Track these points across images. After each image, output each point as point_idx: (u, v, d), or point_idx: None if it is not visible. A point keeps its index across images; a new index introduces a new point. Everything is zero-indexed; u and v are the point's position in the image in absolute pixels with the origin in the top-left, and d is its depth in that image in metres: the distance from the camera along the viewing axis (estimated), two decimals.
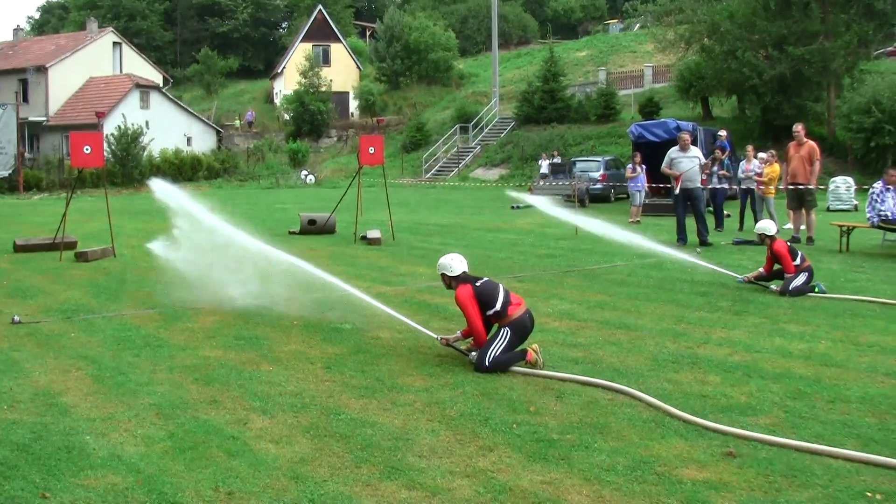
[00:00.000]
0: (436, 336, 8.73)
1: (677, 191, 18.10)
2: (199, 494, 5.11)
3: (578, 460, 5.67)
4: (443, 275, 8.49)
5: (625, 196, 34.01)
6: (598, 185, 34.50)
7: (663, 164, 18.24)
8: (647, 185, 26.21)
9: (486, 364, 7.83)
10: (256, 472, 5.46)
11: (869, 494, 5.15)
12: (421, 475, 5.41)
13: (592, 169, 35.51)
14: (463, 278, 8.30)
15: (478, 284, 8.20)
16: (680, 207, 18.02)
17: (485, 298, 8.10)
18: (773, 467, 5.55)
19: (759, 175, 20.90)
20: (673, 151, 18.12)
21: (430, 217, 25.67)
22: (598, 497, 5.12)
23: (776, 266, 12.44)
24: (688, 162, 17.71)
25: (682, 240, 17.69)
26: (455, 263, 8.38)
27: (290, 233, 20.74)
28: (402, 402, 6.96)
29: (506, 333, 7.99)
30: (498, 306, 8.07)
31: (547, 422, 6.46)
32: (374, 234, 18.91)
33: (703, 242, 17.57)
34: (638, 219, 25.27)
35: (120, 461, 5.63)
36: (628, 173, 25.94)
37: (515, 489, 5.21)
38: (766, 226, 12.84)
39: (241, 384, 7.51)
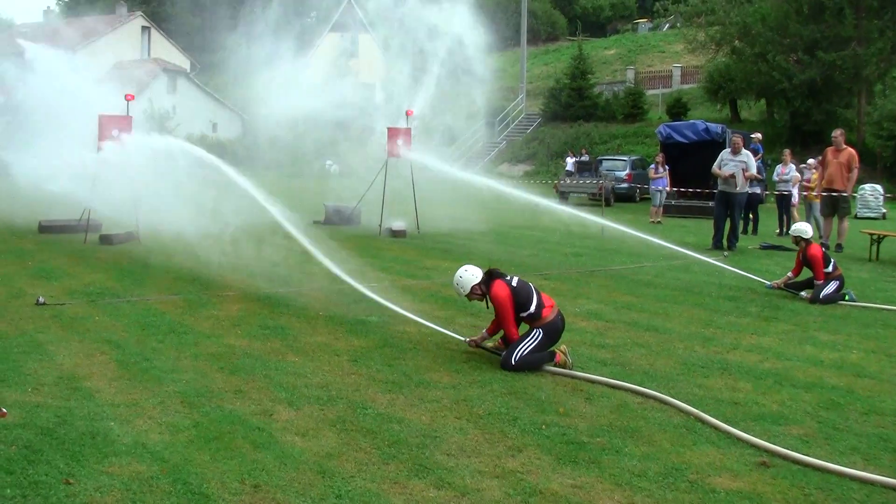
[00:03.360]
0: (464, 339, 8.63)
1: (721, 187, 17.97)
2: (224, 486, 5.04)
3: (609, 464, 5.57)
4: (472, 289, 8.21)
5: (650, 196, 33.94)
6: (624, 185, 34.35)
7: (714, 165, 18.04)
8: (669, 186, 26.11)
9: (513, 363, 7.72)
10: (282, 465, 5.38)
11: None
12: (450, 474, 5.32)
13: (619, 168, 35.35)
14: (490, 276, 8.13)
15: (514, 285, 8.02)
16: (719, 209, 17.84)
17: (521, 300, 7.96)
18: (809, 479, 5.43)
19: (808, 181, 20.88)
20: (724, 153, 18.01)
21: (456, 211, 25.52)
22: (629, 503, 5.01)
23: (805, 273, 12.28)
24: (733, 166, 17.53)
25: (716, 243, 17.50)
26: (469, 275, 8.19)
27: (314, 222, 20.66)
28: (429, 399, 6.87)
29: (537, 335, 7.87)
30: (532, 308, 7.94)
31: (576, 424, 6.36)
32: (399, 226, 18.83)
33: (731, 247, 17.42)
34: (659, 219, 25.20)
35: (144, 449, 5.56)
36: (651, 174, 25.81)
37: (546, 492, 5.11)
38: (804, 228, 12.65)
39: (267, 374, 7.44)
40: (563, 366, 7.83)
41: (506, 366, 7.77)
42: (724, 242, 17.51)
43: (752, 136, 24.98)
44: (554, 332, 7.99)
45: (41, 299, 10.19)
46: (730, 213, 17.73)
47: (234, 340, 8.67)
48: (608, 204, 28.59)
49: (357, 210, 20.93)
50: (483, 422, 6.34)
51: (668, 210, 26.78)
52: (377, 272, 13.22)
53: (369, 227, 19.73)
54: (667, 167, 25.94)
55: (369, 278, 11.52)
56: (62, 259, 13.84)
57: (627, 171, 35.08)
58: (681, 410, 6.73)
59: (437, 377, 7.52)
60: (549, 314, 8.00)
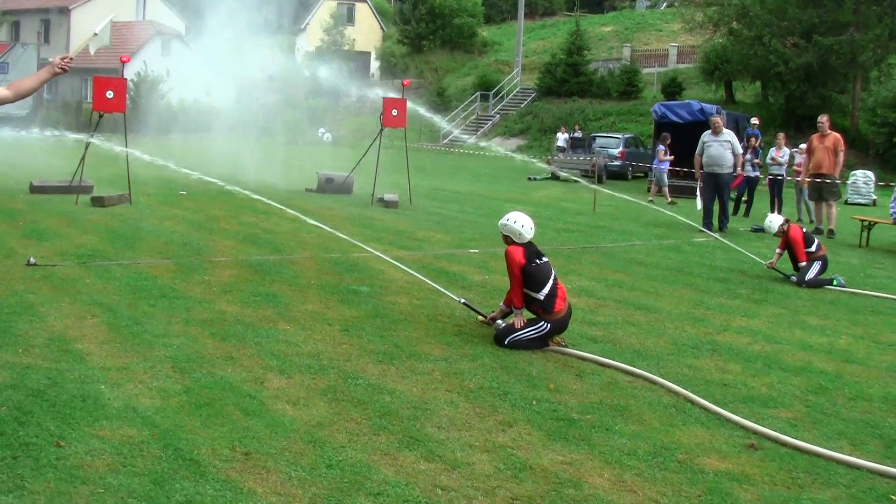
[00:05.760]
0: (459, 299, 8.78)
1: (699, 181, 18.04)
2: (215, 453, 5.03)
3: (599, 442, 5.59)
4: (506, 236, 8.13)
5: (642, 175, 33.92)
6: (617, 162, 34.37)
7: (697, 151, 17.99)
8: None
9: (506, 343, 7.72)
10: (273, 433, 5.38)
11: (893, 497, 5.07)
12: (440, 447, 5.33)
13: (612, 146, 35.36)
14: (520, 245, 7.98)
15: (534, 264, 7.86)
16: (707, 192, 17.80)
17: (535, 279, 7.83)
18: (796, 462, 5.47)
19: (799, 165, 20.91)
20: (705, 135, 17.85)
21: (448, 183, 25.55)
22: (619, 481, 5.03)
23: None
24: (718, 146, 17.44)
25: (707, 225, 17.46)
26: (526, 231, 8.00)
27: (306, 190, 20.64)
28: (420, 371, 6.88)
29: (544, 328, 7.77)
30: (542, 296, 7.80)
31: (567, 400, 6.38)
32: (391, 197, 18.78)
33: (722, 228, 17.43)
34: (652, 198, 25.25)
35: (135, 413, 5.56)
36: (661, 155, 25.65)
37: (536, 468, 5.13)
38: (772, 223, 12.58)
39: (258, 342, 7.43)
40: (558, 344, 7.84)
41: (499, 342, 7.77)
42: (715, 223, 17.51)
43: (751, 121, 24.96)
44: (562, 326, 7.93)
45: (32, 260, 10.14)
46: (718, 194, 17.71)
47: (225, 306, 8.65)
48: (600, 181, 28.57)
49: (350, 179, 20.89)
50: (474, 395, 6.36)
51: (661, 190, 26.81)
52: (368, 242, 13.20)
53: (361, 197, 19.70)
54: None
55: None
56: (53, 220, 13.77)
57: (621, 149, 35.07)
58: (670, 390, 6.76)
59: (428, 349, 7.53)
60: (561, 308, 7.88)
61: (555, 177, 33.17)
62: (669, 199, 24.97)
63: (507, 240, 8.13)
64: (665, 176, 25.49)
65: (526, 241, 8.04)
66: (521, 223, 8.04)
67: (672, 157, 25.44)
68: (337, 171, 21.49)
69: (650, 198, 25.41)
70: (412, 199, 19.56)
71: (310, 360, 6.98)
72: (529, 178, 31.30)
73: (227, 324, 7.98)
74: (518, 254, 7.87)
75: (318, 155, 30.45)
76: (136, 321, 7.87)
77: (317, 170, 21.61)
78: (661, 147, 25.71)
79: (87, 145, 16.15)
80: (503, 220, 8.16)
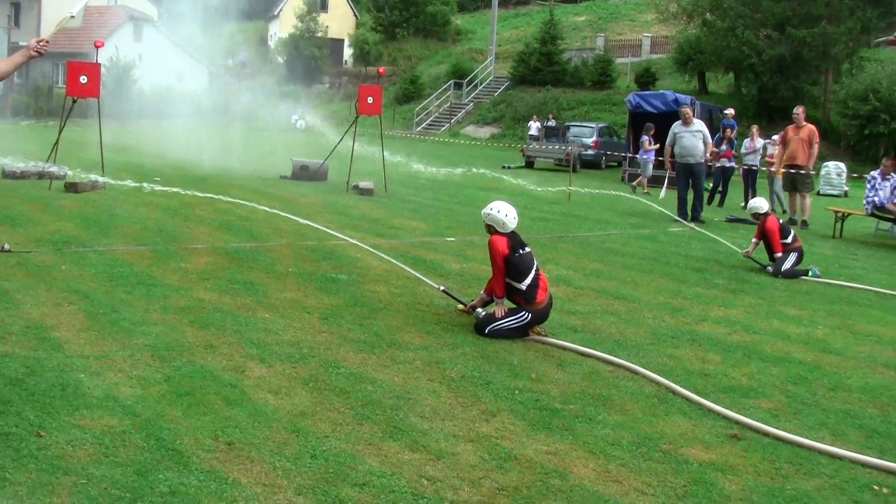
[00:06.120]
0: (439, 287, 8.76)
1: (670, 171, 18.11)
2: (198, 443, 4.98)
3: (583, 432, 5.58)
4: (489, 225, 8.08)
5: (615, 164, 34.02)
6: (591, 152, 34.43)
7: (667, 142, 18.02)
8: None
9: (486, 332, 7.70)
10: (256, 422, 5.34)
11: (876, 488, 5.09)
12: (424, 437, 5.30)
13: (586, 135, 35.41)
14: (504, 236, 7.94)
15: (520, 252, 7.85)
16: (681, 182, 17.83)
17: (517, 269, 7.81)
18: (779, 453, 5.48)
19: (771, 157, 21.02)
20: (675, 126, 17.86)
21: (422, 171, 25.46)
22: (604, 472, 5.03)
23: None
24: (690, 137, 17.47)
25: (682, 215, 17.49)
26: (510, 221, 7.95)
27: (281, 177, 20.53)
28: (401, 360, 6.84)
29: (524, 317, 7.75)
30: (524, 286, 7.78)
31: (549, 390, 6.37)
32: (366, 184, 18.70)
33: (696, 218, 17.47)
34: (634, 184, 25.34)
35: (116, 402, 5.49)
36: (646, 145, 25.67)
37: (521, 458, 5.11)
38: (758, 204, 12.76)
39: (237, 330, 7.36)
40: (538, 334, 7.83)
41: (478, 331, 7.75)
42: (689, 213, 17.56)
43: (726, 111, 25.04)
44: (542, 316, 7.92)
45: (6, 246, 10.01)
46: (693, 184, 17.75)
47: (203, 294, 8.57)
48: (574, 170, 28.58)
49: (324, 167, 20.79)
50: (456, 385, 6.33)
51: (634, 179, 26.88)
52: (344, 230, 13.14)
53: (336, 185, 19.61)
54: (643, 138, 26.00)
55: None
56: (26, 206, 13.59)
57: (594, 139, 35.12)
58: (651, 380, 6.76)
59: (408, 338, 7.49)
60: (543, 298, 7.87)
61: (528, 164, 33.23)
62: (646, 190, 25.05)
63: (490, 229, 8.07)
64: (650, 166, 25.54)
65: (509, 230, 8.00)
66: (505, 212, 7.99)
67: (657, 145, 25.50)
68: (311, 158, 21.38)
69: (633, 184, 25.53)
70: (387, 186, 19.49)
71: (290, 349, 6.93)
72: (503, 167, 31.25)
73: (205, 311, 7.91)
74: (502, 243, 7.83)
75: (291, 142, 30.30)
76: (114, 308, 7.78)
77: (291, 156, 21.49)
78: (646, 137, 25.75)
79: (61, 130, 15.98)
80: (486, 210, 8.10)
